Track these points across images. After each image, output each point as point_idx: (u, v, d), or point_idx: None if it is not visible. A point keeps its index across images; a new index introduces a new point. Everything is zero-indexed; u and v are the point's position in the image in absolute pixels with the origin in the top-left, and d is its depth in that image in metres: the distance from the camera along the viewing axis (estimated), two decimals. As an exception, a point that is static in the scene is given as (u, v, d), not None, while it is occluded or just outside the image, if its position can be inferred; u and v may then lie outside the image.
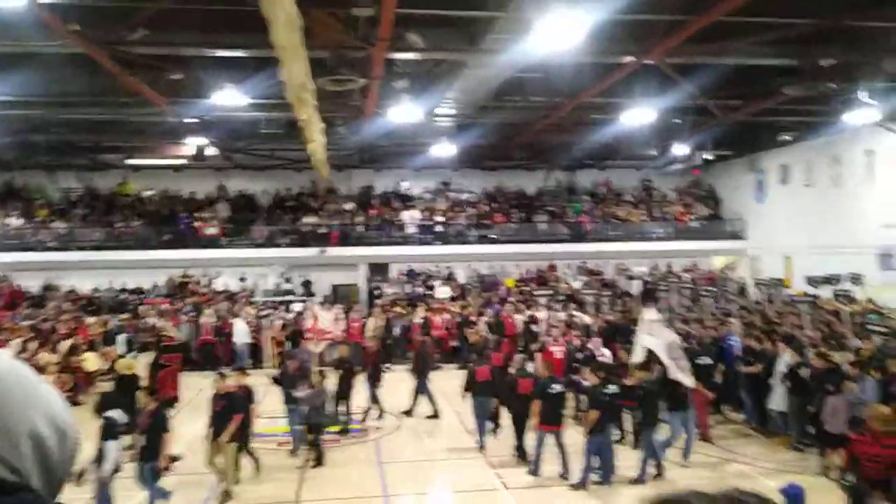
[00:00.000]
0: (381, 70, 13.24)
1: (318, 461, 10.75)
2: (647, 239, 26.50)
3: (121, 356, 15.31)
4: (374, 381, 13.59)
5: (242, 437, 9.77)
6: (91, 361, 16.49)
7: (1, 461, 1.08)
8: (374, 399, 13.55)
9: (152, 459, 8.60)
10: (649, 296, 20.69)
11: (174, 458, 8.90)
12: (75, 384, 15.66)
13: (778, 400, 11.70)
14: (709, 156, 24.57)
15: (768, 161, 24.90)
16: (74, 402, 15.11)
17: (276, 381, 11.75)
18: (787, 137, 22.72)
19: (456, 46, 13.14)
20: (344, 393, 12.74)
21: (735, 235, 26.68)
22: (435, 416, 13.59)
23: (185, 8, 11.71)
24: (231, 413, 9.36)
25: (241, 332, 19.42)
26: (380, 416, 13.50)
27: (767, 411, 12.19)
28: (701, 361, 12.25)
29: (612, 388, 10.33)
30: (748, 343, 13.21)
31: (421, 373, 13.98)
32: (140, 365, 14.02)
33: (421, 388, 13.86)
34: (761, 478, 10.03)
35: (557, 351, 13.92)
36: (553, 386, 10.22)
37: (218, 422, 9.41)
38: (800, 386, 11.08)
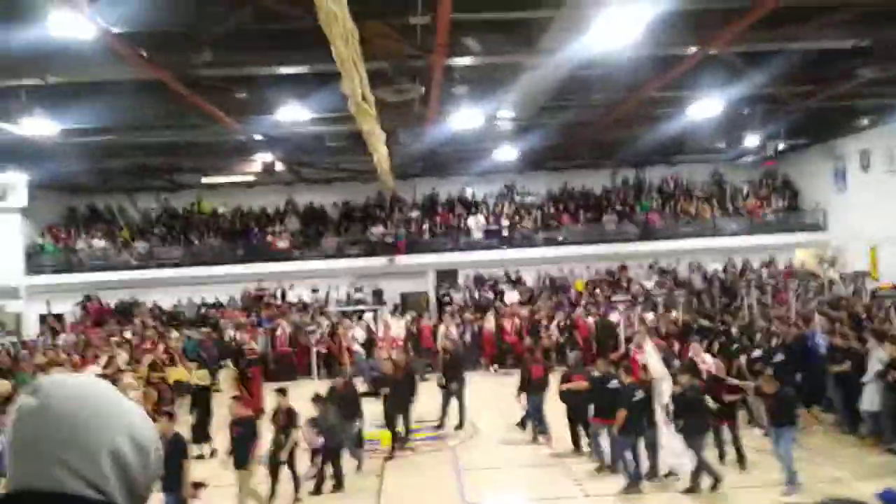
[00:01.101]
0: (440, 77, 13.30)
1: (338, 485, 10.20)
2: (721, 234, 25.65)
3: (199, 368, 15.78)
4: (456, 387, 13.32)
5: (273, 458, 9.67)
6: (175, 374, 17.09)
7: (83, 479, 1.12)
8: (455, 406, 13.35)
9: (174, 489, 7.99)
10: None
11: (198, 485, 8.59)
12: (161, 398, 16.27)
13: (870, 399, 11.07)
14: (783, 145, 23.61)
15: (847, 147, 23.77)
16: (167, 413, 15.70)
17: (323, 399, 10.95)
18: (865, 122, 21.66)
19: (513, 49, 13.06)
20: (404, 402, 12.36)
21: (815, 227, 25.55)
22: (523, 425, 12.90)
23: (247, 29, 12.04)
24: (246, 440, 8.94)
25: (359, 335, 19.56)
26: (459, 425, 13.28)
27: (859, 412, 11.56)
28: (775, 360, 12.16)
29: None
30: (834, 341, 12.59)
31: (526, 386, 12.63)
32: (222, 377, 14.55)
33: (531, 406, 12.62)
34: (855, 482, 9.52)
35: (642, 358, 12.82)
36: (637, 393, 9.95)
37: (236, 449, 9.00)
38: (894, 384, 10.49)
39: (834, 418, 12.50)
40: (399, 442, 11.97)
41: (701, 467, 9.49)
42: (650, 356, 10.29)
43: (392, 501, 9.69)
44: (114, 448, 1.17)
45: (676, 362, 11.93)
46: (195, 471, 8.88)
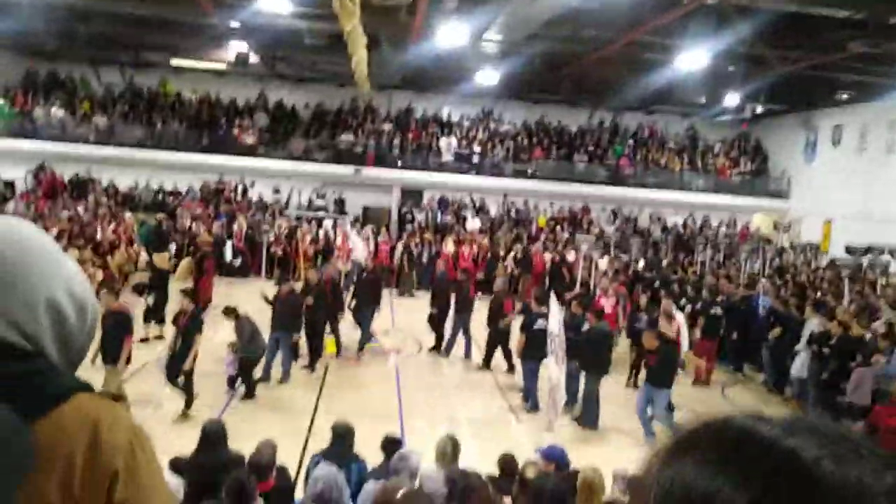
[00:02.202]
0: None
1: (249, 394, 9.92)
2: (687, 189, 25.92)
3: (152, 252, 15.61)
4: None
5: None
6: (118, 258, 16.87)
7: (15, 327, 1.06)
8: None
9: (183, 360, 8.85)
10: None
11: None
12: (102, 281, 16.11)
13: (800, 366, 11.54)
14: (760, 108, 23.73)
15: (822, 120, 23.98)
16: (111, 288, 15.61)
17: (269, 302, 10.92)
18: (844, 96, 21.80)
19: (510, -31, 12.64)
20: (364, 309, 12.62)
21: (779, 194, 25.98)
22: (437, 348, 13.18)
23: None
24: (118, 335, 8.32)
25: (358, 248, 18.91)
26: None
27: (788, 376, 12.08)
28: (713, 312, 12.84)
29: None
30: (775, 305, 13.03)
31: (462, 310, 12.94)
32: (181, 267, 14.43)
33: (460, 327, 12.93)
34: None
35: (608, 304, 12.53)
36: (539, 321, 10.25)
37: (107, 343, 8.28)
38: (822, 353, 10.93)
39: (763, 378, 13.04)
40: (321, 352, 11.79)
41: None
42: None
43: (330, 405, 9.83)
44: (52, 298, 1.11)
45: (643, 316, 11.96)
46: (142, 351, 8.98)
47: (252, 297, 11.64)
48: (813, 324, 11.53)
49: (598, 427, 9.83)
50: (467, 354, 12.86)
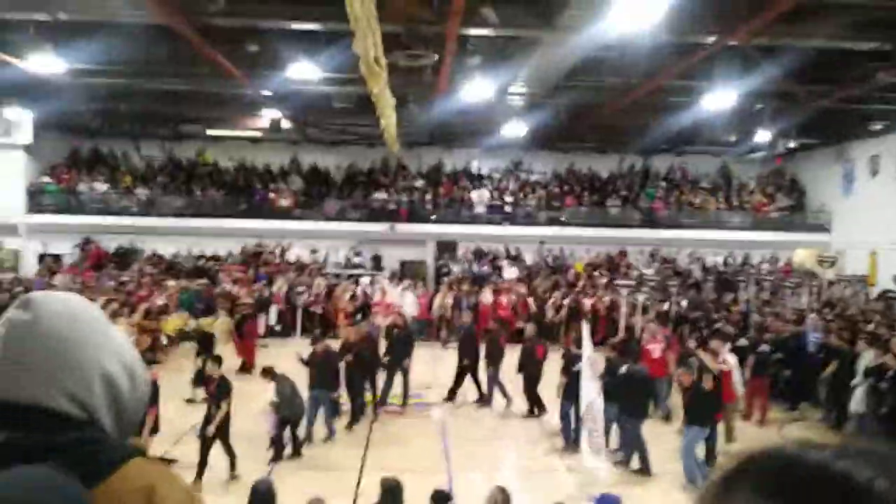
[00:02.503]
0: (454, 46, 13.15)
1: (295, 452, 9.98)
2: (724, 228, 25.61)
3: (198, 318, 15.92)
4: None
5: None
6: (171, 323, 17.21)
7: (72, 398, 1.10)
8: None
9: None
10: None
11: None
12: (154, 346, 16.42)
13: (859, 401, 11.17)
14: (792, 144, 23.51)
15: (857, 151, 23.63)
16: (154, 361, 15.92)
17: (305, 363, 10.92)
18: (878, 126, 21.51)
19: (531, 23, 12.91)
20: (397, 364, 12.57)
21: (819, 228, 25.48)
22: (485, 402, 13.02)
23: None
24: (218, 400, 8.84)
25: (409, 304, 19.43)
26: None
27: (846, 412, 11.66)
28: (760, 349, 12.57)
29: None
30: (826, 340, 12.69)
31: (493, 361, 12.95)
32: (219, 328, 14.64)
33: (491, 377, 12.94)
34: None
35: (655, 349, 12.31)
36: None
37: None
38: (878, 387, 10.57)
39: (820, 415, 12.62)
40: (364, 409, 11.89)
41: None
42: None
43: (377, 460, 9.74)
44: (105, 370, 1.15)
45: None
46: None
47: (292, 357, 11.72)
48: (867, 357, 11.18)
49: (650, 471, 9.56)
50: (507, 402, 12.76)
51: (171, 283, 20.50)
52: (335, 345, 11.91)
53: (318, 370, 10.70)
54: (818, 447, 0.64)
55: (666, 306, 18.18)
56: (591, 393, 9.60)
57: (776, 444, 0.66)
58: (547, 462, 10.27)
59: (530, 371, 12.14)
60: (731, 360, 10.83)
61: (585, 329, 10.53)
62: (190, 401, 12.14)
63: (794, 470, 0.61)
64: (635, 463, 9.83)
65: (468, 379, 13.23)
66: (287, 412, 9.82)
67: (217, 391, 9.02)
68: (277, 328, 19.58)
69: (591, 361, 9.83)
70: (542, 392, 12.17)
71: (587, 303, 19.58)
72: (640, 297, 18.21)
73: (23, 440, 1.03)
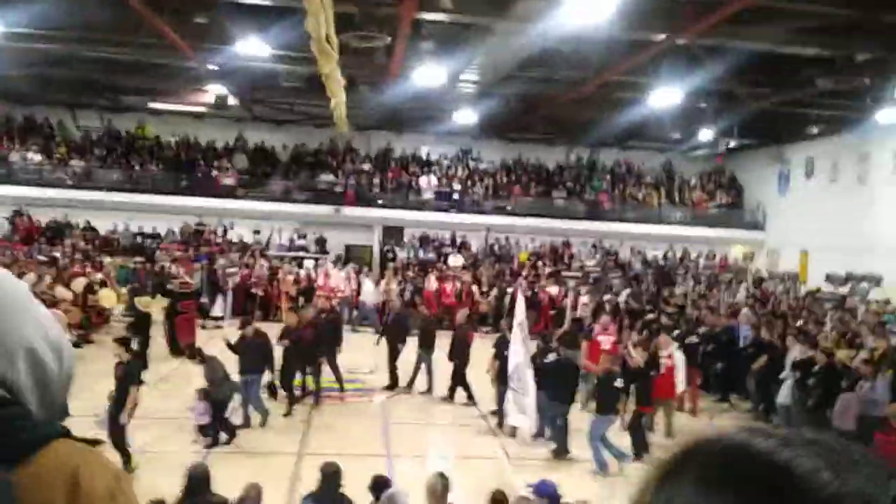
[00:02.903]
0: (407, 29, 13.04)
1: (231, 437, 9.63)
2: (665, 222, 26.24)
3: (135, 296, 15.46)
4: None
5: None
6: (108, 298, 16.70)
7: None
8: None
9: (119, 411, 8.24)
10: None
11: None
12: (88, 321, 15.91)
13: (786, 393, 11.60)
14: (733, 143, 24.20)
15: (794, 153, 24.49)
16: (87, 340, 15.43)
17: (232, 348, 10.50)
18: (814, 130, 22.32)
19: (486, 11, 12.90)
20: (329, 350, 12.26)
21: (755, 226, 26.38)
22: (429, 391, 12.88)
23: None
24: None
25: (367, 292, 19.44)
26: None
27: (774, 405, 12.13)
28: (688, 341, 12.86)
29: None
30: (756, 334, 13.14)
31: (428, 347, 12.95)
32: (156, 306, 14.22)
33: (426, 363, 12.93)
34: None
35: (606, 341, 12.03)
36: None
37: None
38: (805, 381, 11.01)
39: (749, 406, 13.09)
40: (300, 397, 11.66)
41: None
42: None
43: (316, 445, 9.67)
44: (29, 345, 1.08)
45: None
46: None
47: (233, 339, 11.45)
48: (795, 352, 11.63)
49: (567, 455, 9.78)
50: (429, 389, 12.80)
51: (107, 259, 19.90)
52: (274, 329, 11.70)
53: (248, 354, 10.30)
54: (764, 434, 0.62)
55: (607, 298, 18.52)
56: (519, 356, 10.19)
57: (719, 432, 0.64)
58: (486, 448, 10.37)
59: (461, 358, 12.25)
60: (678, 355, 11.07)
61: (520, 296, 11.36)
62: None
63: (740, 459, 0.60)
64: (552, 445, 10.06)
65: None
66: (217, 395, 9.50)
67: (125, 376, 8.40)
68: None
69: (522, 326, 10.33)
70: (471, 379, 12.26)
71: (528, 292, 19.77)
72: (583, 289, 18.53)
73: None
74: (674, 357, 10.78)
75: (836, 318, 14.68)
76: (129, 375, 8.31)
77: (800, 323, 14.50)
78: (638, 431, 10.05)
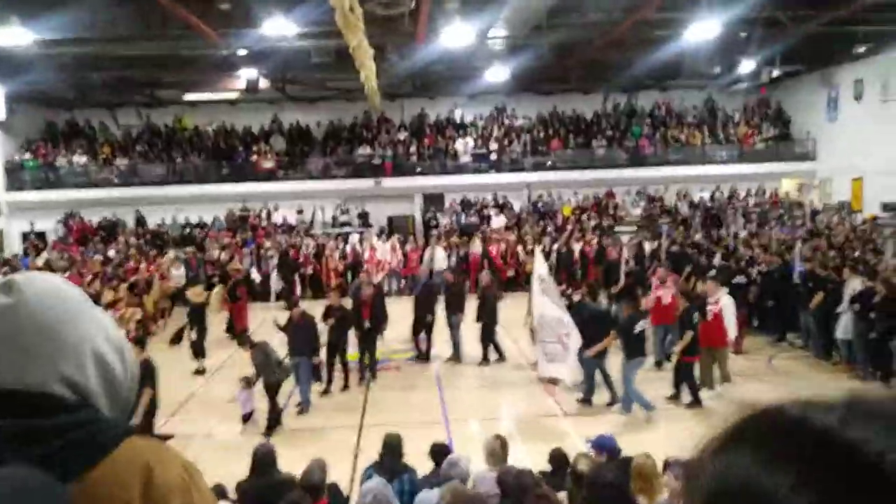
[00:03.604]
0: (429, -9, 12.83)
1: (275, 423, 9.49)
2: (711, 162, 25.53)
3: (186, 286, 15.81)
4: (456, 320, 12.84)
5: None
6: (154, 293, 17.14)
7: (66, 381, 1.07)
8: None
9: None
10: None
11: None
12: (146, 316, 16.39)
13: (844, 328, 11.30)
14: (777, 72, 23.27)
15: (841, 76, 23.47)
16: (147, 333, 15.90)
17: (281, 328, 10.54)
18: (861, 50, 21.29)
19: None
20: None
21: (805, 157, 25.46)
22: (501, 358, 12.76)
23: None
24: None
25: (440, 259, 19.23)
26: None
27: (833, 340, 11.83)
28: (736, 281, 12.77)
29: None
30: (811, 269, 12.76)
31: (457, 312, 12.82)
32: (212, 297, 14.53)
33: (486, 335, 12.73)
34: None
35: (666, 294, 11.61)
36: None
37: None
38: (867, 313, 10.67)
39: (802, 344, 12.81)
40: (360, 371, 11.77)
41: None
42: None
43: (375, 417, 9.83)
44: (95, 347, 1.11)
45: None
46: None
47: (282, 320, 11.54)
48: (853, 284, 11.26)
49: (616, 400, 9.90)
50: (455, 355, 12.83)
51: (169, 253, 20.20)
52: (318, 308, 11.72)
53: (296, 336, 10.24)
54: (823, 408, 0.58)
55: (656, 244, 18.23)
56: (542, 306, 10.39)
57: (777, 405, 0.61)
58: (542, 405, 10.40)
59: (490, 317, 12.33)
60: (726, 300, 10.67)
61: (538, 253, 11.64)
62: (201, 371, 12.35)
63: (796, 437, 0.56)
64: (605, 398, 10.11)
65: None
66: (268, 380, 9.36)
67: (140, 377, 8.30)
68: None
69: (541, 279, 10.64)
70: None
71: (576, 247, 19.60)
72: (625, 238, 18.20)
73: (12, 427, 0.99)
74: (721, 303, 10.43)
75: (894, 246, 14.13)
76: (142, 378, 7.81)
77: (857, 254, 14.01)
78: (686, 379, 9.96)
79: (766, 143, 26.15)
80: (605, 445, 5.79)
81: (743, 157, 25.65)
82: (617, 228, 21.76)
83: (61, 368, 1.07)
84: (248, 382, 9.53)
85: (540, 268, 11.02)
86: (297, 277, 19.67)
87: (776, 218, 18.98)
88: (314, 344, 10.32)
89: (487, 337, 12.53)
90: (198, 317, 12.93)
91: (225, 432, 9.36)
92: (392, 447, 5.79)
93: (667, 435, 8.62)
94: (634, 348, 9.58)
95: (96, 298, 14.66)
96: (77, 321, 1.11)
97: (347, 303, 11.84)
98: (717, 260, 15.74)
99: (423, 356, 12.95)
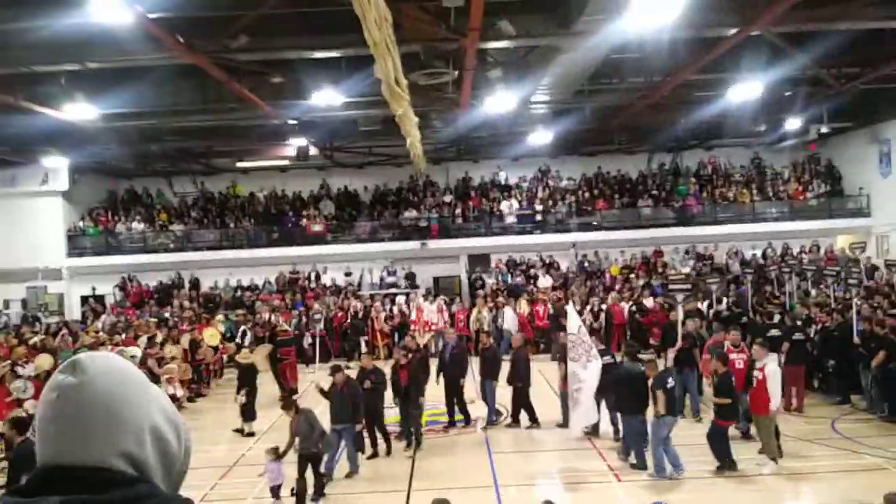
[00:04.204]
0: (473, 61, 13.19)
1: (321, 493, 9.29)
2: (761, 220, 25.15)
3: (238, 348, 16.08)
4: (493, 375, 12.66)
5: None
6: (212, 337, 17.53)
7: (126, 456, 1.12)
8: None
9: None
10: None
11: None
12: (199, 376, 16.68)
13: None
14: (825, 129, 23.00)
15: (892, 131, 23.07)
16: (199, 394, 16.19)
17: (325, 394, 10.38)
18: (912, 105, 20.96)
19: (548, 31, 12.90)
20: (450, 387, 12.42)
21: (859, 213, 24.91)
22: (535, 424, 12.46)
23: (282, 13, 12.09)
24: None
25: (509, 319, 19.63)
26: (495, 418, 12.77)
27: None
28: (795, 337, 12.61)
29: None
30: (868, 328, 12.32)
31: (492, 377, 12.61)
32: (257, 357, 14.72)
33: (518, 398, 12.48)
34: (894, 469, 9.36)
35: (739, 359, 11.06)
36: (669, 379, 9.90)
37: None
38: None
39: (868, 404, 12.30)
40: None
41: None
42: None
43: (424, 485, 9.70)
44: (153, 424, 1.17)
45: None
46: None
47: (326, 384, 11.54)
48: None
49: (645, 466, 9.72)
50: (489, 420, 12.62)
51: (218, 318, 20.73)
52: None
53: (340, 402, 9.99)
54: None
55: (706, 304, 17.85)
56: (573, 365, 10.75)
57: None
58: (594, 469, 10.14)
59: (523, 380, 12.17)
60: (772, 367, 10.08)
61: (571, 310, 11.88)
62: (242, 432, 12.37)
63: None
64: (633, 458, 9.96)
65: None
66: (306, 450, 9.00)
67: None
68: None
69: (571, 334, 10.99)
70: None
71: (624, 307, 19.35)
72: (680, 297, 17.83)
73: (76, 501, 1.05)
74: (766, 370, 9.87)
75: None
76: None
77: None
78: (720, 444, 9.64)
79: (818, 198, 25.69)
80: (660, 513, 5.62)
81: (794, 213, 25.22)
82: (672, 287, 21.25)
83: (122, 445, 1.12)
84: (276, 453, 9.06)
85: (572, 325, 11.13)
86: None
87: (832, 275, 18.41)
88: (358, 410, 10.12)
89: (520, 399, 12.31)
90: (248, 378, 13.05)
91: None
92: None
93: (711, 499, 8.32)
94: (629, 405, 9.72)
95: (158, 357, 15.05)
96: (137, 399, 1.17)
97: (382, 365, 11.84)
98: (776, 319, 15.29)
99: (464, 421, 12.67)
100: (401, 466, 10.68)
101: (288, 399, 9.67)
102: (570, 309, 12.10)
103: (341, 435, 10.03)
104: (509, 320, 19.42)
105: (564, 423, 11.67)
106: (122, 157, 23.10)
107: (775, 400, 9.78)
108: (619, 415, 10.57)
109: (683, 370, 12.08)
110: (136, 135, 20.06)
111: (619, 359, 11.38)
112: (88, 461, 1.10)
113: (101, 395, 1.14)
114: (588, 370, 10.56)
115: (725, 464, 9.53)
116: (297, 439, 8.99)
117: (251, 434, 12.54)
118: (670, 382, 9.75)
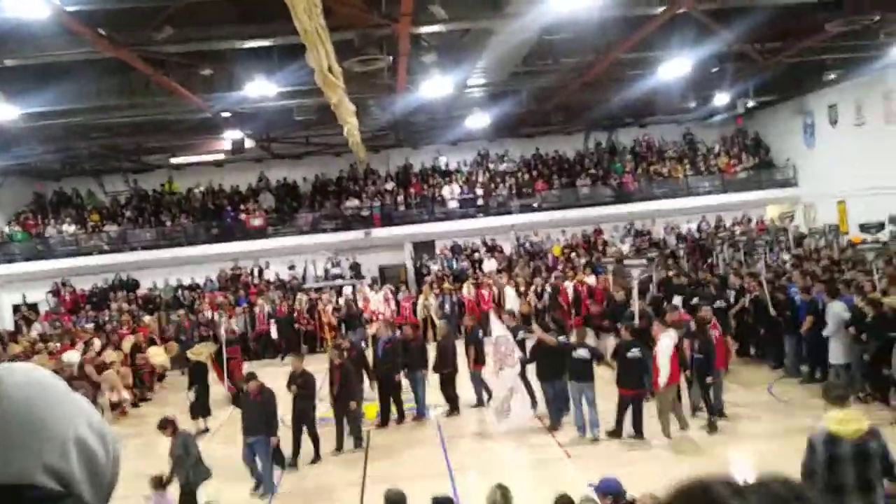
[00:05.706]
0: (407, 46, 13.10)
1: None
2: (695, 194, 25.88)
3: (184, 347, 15.78)
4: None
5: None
6: (157, 356, 17.06)
7: (50, 471, 1.06)
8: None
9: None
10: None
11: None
12: (140, 381, 16.25)
13: (837, 353, 11.22)
14: (752, 102, 23.74)
15: (815, 103, 23.98)
16: (142, 398, 15.79)
17: (235, 401, 9.97)
18: (832, 76, 21.79)
19: (480, 14, 12.92)
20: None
21: (786, 183, 25.86)
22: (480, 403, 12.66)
23: (209, 1, 11.76)
24: None
25: (511, 297, 19.35)
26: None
27: (820, 364, 11.85)
28: (716, 306, 13.00)
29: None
30: (801, 294, 12.82)
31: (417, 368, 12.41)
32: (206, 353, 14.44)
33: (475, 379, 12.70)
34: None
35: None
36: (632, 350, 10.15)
37: None
38: (860, 335, 10.71)
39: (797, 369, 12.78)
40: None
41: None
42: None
43: (378, 473, 9.70)
44: (78, 435, 1.10)
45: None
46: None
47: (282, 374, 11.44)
48: (835, 308, 11.22)
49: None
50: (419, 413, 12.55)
51: (146, 317, 20.39)
52: (321, 361, 11.61)
53: (251, 411, 9.23)
54: (732, 487, 0.74)
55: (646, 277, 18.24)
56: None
57: (702, 482, 0.77)
58: (545, 451, 10.30)
59: (450, 367, 12.36)
60: (664, 343, 10.12)
61: (493, 317, 12.76)
62: (205, 431, 12.33)
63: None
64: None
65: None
66: (183, 477, 8.07)
67: (176, 450, 8.22)
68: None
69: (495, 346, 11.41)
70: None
71: (569, 285, 19.64)
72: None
73: None
74: (659, 346, 9.93)
75: (881, 265, 14.17)
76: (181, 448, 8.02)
77: (848, 276, 14.09)
78: (624, 414, 10.14)
79: (747, 171, 26.54)
80: (610, 488, 5.75)
81: (726, 186, 26.00)
82: (627, 262, 21.56)
83: (45, 458, 1.05)
84: (160, 483, 7.85)
85: (495, 330, 11.76)
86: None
87: (763, 245, 19.08)
88: (273, 421, 9.36)
89: (444, 387, 12.35)
90: (197, 376, 12.87)
91: (227, 493, 9.18)
92: (395, 502, 5.73)
93: (668, 472, 8.56)
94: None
95: (98, 364, 14.62)
96: (59, 410, 1.10)
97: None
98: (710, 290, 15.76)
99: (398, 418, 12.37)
100: (351, 468, 10.51)
101: (163, 419, 8.55)
102: (493, 317, 12.88)
103: (253, 448, 9.31)
104: (510, 298, 19.25)
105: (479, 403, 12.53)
106: (48, 158, 22.16)
107: (663, 375, 9.76)
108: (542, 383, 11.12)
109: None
110: (62, 134, 19.27)
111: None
112: (9, 479, 1.04)
113: (20, 407, 1.07)
114: (499, 377, 11.11)
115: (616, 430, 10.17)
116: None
117: (206, 430, 12.41)
118: (633, 353, 9.96)
